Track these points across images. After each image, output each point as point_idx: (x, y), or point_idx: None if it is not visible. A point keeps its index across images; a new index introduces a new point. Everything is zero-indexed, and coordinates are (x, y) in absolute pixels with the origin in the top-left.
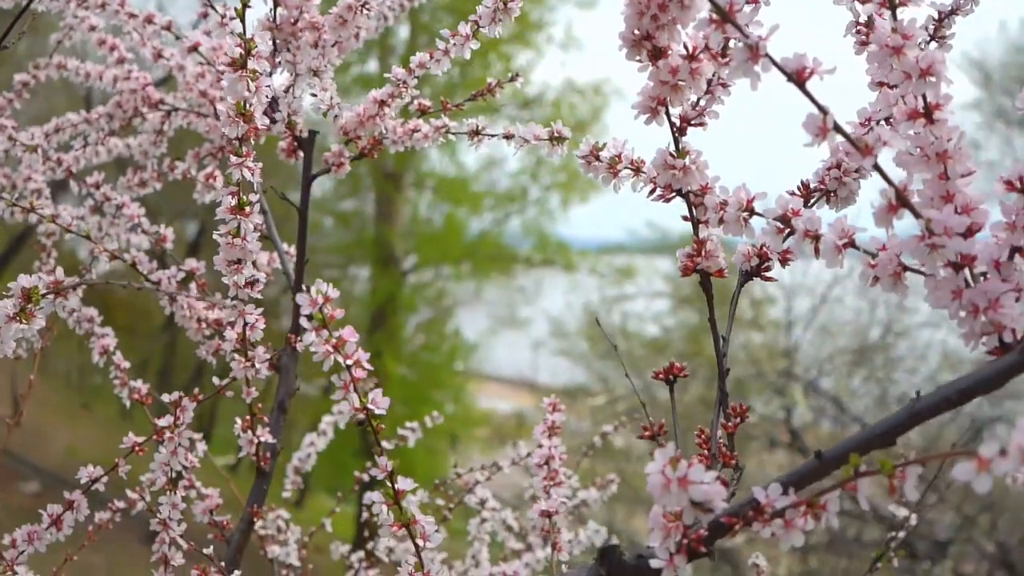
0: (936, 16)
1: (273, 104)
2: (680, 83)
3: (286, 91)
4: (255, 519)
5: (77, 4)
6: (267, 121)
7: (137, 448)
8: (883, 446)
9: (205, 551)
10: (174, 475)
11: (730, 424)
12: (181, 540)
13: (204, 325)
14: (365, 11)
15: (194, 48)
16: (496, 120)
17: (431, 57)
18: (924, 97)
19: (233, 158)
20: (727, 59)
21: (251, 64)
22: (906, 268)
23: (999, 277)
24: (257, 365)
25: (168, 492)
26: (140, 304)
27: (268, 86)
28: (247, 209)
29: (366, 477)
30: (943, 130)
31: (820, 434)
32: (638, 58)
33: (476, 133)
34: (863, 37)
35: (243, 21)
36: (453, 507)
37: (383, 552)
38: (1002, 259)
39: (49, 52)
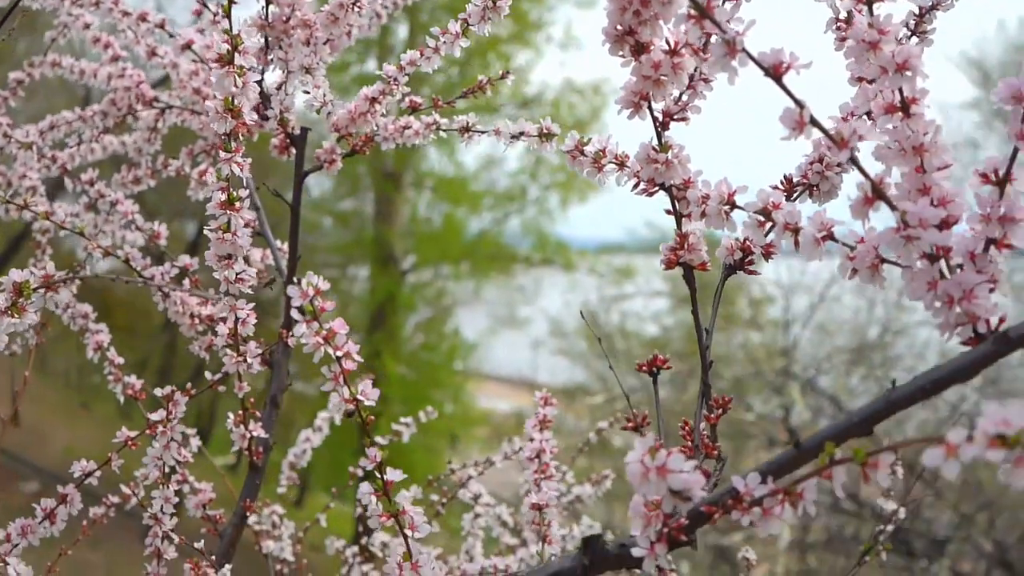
0: (917, 11)
1: (265, 101)
2: (662, 78)
3: (278, 88)
4: (248, 513)
5: (72, 2)
6: (256, 117)
7: (130, 442)
8: (860, 435)
9: (196, 545)
10: (167, 469)
11: (712, 416)
12: (172, 534)
13: (197, 321)
14: (357, 9)
15: (187, 46)
16: (496, 119)
17: (422, 55)
18: (901, 91)
19: (222, 154)
20: (708, 55)
21: (238, 60)
22: (884, 260)
23: (974, 268)
24: (249, 360)
25: (161, 486)
26: (140, 304)
27: (258, 82)
28: (237, 204)
29: (360, 472)
30: (919, 124)
31: None
32: (621, 53)
33: (467, 130)
34: (843, 33)
35: (229, 17)
36: (446, 502)
37: (377, 547)
38: (977, 251)
39: (44, 50)
